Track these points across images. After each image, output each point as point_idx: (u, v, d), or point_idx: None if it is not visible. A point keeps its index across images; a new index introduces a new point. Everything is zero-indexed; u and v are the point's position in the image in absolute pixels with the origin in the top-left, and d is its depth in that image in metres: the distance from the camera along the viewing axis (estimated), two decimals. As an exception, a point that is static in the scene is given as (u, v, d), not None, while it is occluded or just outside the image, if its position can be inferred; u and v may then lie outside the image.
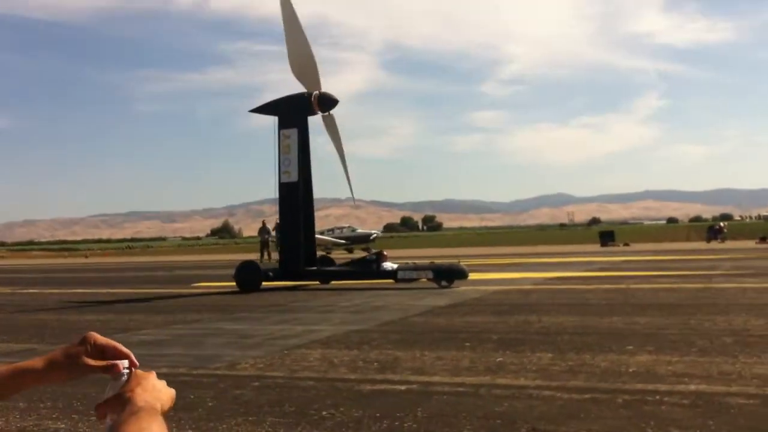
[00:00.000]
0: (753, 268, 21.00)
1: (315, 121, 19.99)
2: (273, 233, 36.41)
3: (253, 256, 32.86)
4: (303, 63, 19.83)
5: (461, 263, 18.91)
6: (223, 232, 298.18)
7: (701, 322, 9.92)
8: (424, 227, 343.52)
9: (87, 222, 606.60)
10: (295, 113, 19.69)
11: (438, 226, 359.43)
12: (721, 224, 54.22)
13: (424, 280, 18.09)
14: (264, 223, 38.54)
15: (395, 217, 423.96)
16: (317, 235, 50.94)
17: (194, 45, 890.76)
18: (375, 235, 49.94)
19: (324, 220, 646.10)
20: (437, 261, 20.72)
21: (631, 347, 8.00)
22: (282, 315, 12.79)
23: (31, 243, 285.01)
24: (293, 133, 19.62)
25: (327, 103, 19.93)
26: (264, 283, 18.76)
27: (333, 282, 19.47)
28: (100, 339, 1.48)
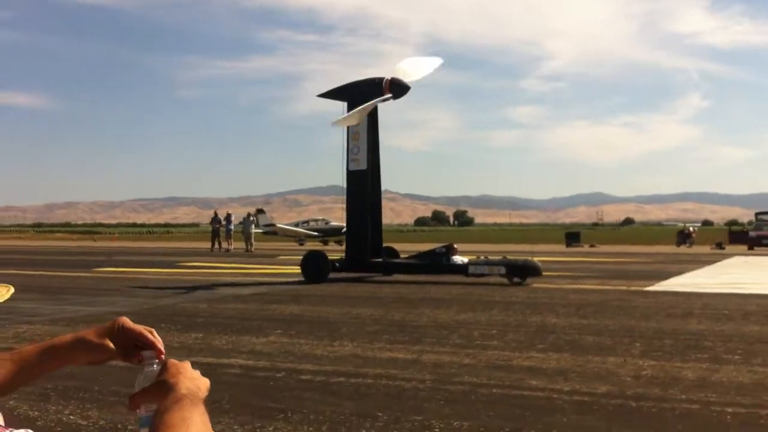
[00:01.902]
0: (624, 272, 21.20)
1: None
2: (223, 223, 38.43)
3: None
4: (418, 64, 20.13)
5: (535, 259, 18.52)
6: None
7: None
8: (455, 222, 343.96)
9: (126, 206, 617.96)
10: (365, 98, 18.85)
11: (470, 221, 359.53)
12: (691, 229, 55.31)
13: (496, 275, 17.68)
14: (216, 213, 39.13)
15: (429, 211, 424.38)
16: (287, 226, 53.87)
17: (236, 33, 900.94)
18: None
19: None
20: (510, 256, 19.82)
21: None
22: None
23: (68, 225, 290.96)
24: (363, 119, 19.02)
25: (398, 89, 19.28)
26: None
27: (398, 275, 19.07)
28: (130, 325, 1.47)
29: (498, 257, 19.61)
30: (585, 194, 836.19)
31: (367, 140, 18.94)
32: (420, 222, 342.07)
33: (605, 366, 7.64)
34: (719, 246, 45.62)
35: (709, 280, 19.16)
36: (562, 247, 47.98)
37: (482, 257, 19.61)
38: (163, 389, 1.31)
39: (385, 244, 20.19)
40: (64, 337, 1.48)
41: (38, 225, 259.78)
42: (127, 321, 1.48)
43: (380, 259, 19.27)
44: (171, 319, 11.27)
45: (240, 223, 38.77)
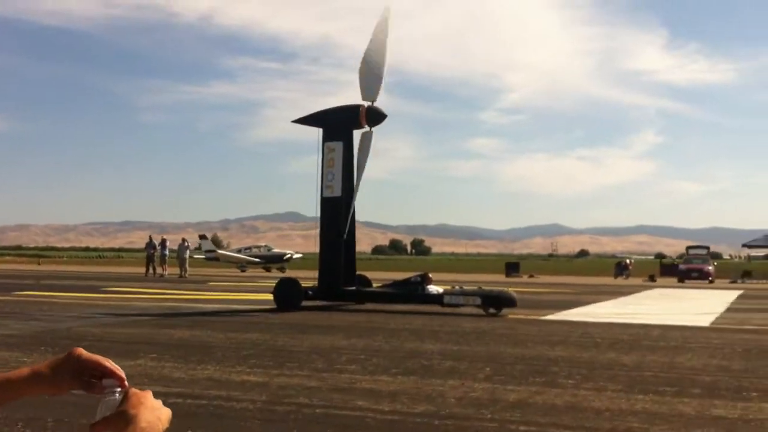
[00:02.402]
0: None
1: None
2: (158, 248, 38.34)
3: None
4: (371, 69, 19.27)
5: (510, 290, 18.60)
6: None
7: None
8: (413, 251, 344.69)
9: (80, 230, 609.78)
10: (341, 126, 19.00)
11: (427, 251, 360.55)
12: (627, 261, 56.57)
13: (471, 306, 17.56)
14: (150, 238, 39.10)
15: (388, 240, 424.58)
16: (229, 253, 53.87)
17: (198, 58, 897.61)
18: (290, 255, 52.04)
19: (318, 239, 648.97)
20: (484, 287, 19.84)
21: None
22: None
23: (19, 247, 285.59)
24: (338, 146, 18.91)
25: (375, 117, 19.16)
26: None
27: (371, 303, 18.74)
28: (86, 355, 1.45)
29: (473, 287, 19.45)
30: (542, 225, 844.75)
31: (342, 167, 18.82)
32: (377, 251, 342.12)
33: (440, 388, 8.07)
34: (651, 278, 46.73)
35: (610, 310, 19.84)
36: (502, 277, 48.70)
37: (457, 287, 19.47)
38: (123, 420, 1.30)
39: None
40: (21, 371, 1.47)
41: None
42: (83, 351, 1.46)
43: (353, 288, 19.10)
44: (55, 342, 11.49)
45: (175, 249, 38.65)
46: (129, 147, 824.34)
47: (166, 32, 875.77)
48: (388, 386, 8.22)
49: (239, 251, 53.12)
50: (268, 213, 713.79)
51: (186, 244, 37.85)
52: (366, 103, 19.04)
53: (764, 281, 46.43)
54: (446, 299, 17.83)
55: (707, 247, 50.66)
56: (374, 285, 20.24)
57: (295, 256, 53.23)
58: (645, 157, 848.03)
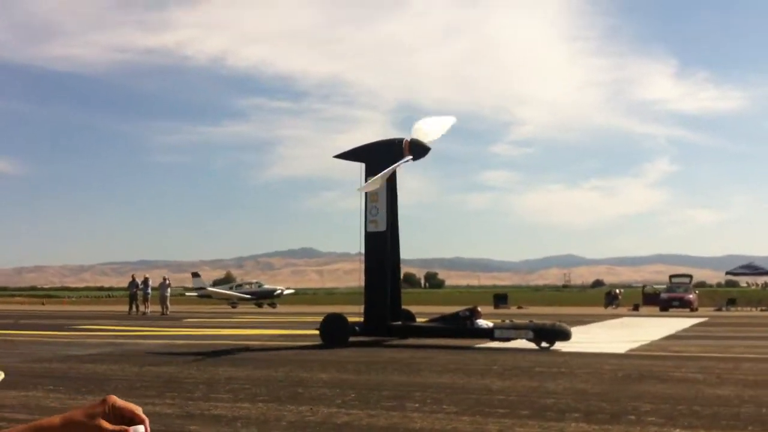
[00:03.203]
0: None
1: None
2: (141, 286, 39.24)
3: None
4: (433, 125, 19.76)
5: (563, 323, 18.07)
6: (224, 284, 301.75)
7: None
8: (426, 284, 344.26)
9: (96, 269, 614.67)
10: (384, 160, 18.76)
11: (440, 284, 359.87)
12: (617, 291, 56.94)
13: (524, 339, 17.23)
14: (133, 277, 39.88)
15: (402, 273, 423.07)
16: (219, 290, 54.80)
17: (211, 99, 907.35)
18: (280, 291, 52.93)
19: (333, 275, 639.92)
20: (536, 320, 19.37)
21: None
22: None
23: (34, 288, 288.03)
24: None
25: (418, 150, 19.08)
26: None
27: (418, 338, 18.57)
28: (120, 402, 1.51)
29: (524, 321, 19.20)
30: (557, 256, 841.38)
31: (386, 201, 18.76)
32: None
33: (334, 419, 8.47)
34: (635, 308, 47.12)
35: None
36: (490, 308, 49.17)
37: (508, 321, 19.25)
38: None
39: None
40: (52, 420, 1.50)
41: (3, 289, 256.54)
42: (116, 398, 1.53)
43: (399, 323, 18.91)
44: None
45: (156, 287, 39.56)
46: (143, 187, 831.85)
47: (178, 75, 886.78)
48: (273, 414, 9.01)
49: (231, 288, 54.09)
50: (283, 249, 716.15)
51: (167, 282, 38.76)
52: (408, 137, 19.03)
53: (748, 308, 46.79)
54: (497, 333, 17.48)
55: (690, 276, 51.05)
56: (417, 320, 20.05)
57: (286, 291, 54.14)
58: (659, 186, 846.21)
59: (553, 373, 12.49)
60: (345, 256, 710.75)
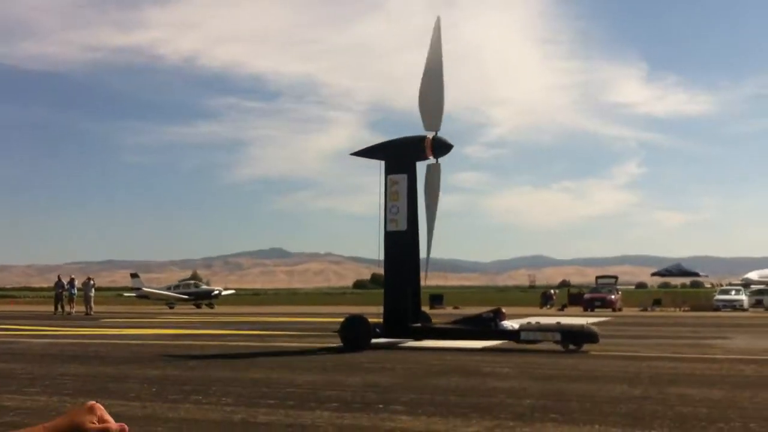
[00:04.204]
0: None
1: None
2: (66, 287, 39.64)
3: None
4: (431, 98, 18.71)
5: (591, 326, 17.69)
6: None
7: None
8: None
9: (63, 269, 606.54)
10: (404, 158, 18.48)
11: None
12: (552, 291, 58.26)
13: (551, 342, 16.77)
14: (59, 277, 40.19)
15: (376, 274, 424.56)
16: (156, 290, 55.27)
17: (183, 99, 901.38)
18: (218, 291, 53.53)
19: (303, 276, 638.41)
20: (563, 322, 19.28)
21: None
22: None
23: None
24: (402, 179, 18.34)
25: (441, 148, 18.62)
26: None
27: (438, 342, 17.92)
28: (104, 411, 1.54)
29: (552, 322, 18.92)
30: (526, 257, 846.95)
31: (407, 200, 18.32)
32: (358, 285, 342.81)
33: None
34: (562, 308, 48.44)
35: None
36: (425, 309, 50.09)
37: (533, 322, 19.01)
38: None
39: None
40: (36, 429, 1.52)
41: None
42: (102, 408, 1.56)
43: (422, 324, 18.51)
44: None
45: (80, 288, 40.04)
46: (112, 187, 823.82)
47: (150, 74, 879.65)
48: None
49: (169, 288, 54.56)
50: (252, 249, 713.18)
51: (91, 282, 39.30)
52: (430, 134, 18.52)
53: (672, 309, 48.27)
54: (523, 335, 17.01)
55: (615, 277, 52.49)
56: (432, 321, 19.57)
57: (225, 292, 54.75)
58: (628, 187, 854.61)
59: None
60: (314, 257, 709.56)
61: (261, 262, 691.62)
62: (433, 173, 18.56)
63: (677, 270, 53.31)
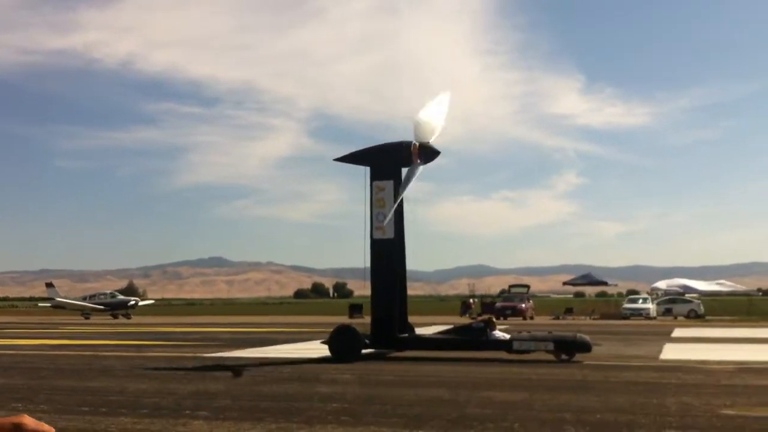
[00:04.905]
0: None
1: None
2: None
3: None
4: (430, 116, 18.59)
5: (584, 335, 17.48)
6: (126, 294, 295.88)
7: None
8: (335, 294, 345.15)
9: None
10: (390, 164, 18.20)
11: (349, 293, 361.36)
12: (471, 300, 59.27)
13: (543, 351, 16.65)
14: None
15: (316, 283, 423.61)
16: (72, 300, 54.75)
17: (119, 104, 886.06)
18: (134, 302, 53.28)
19: (244, 285, 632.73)
20: (556, 332, 19.19)
21: None
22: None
23: None
24: (388, 185, 18.05)
25: (428, 154, 18.37)
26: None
27: (424, 351, 17.54)
28: (31, 426, 1.51)
29: (543, 332, 18.72)
30: (468, 266, 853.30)
31: (394, 207, 17.90)
32: (299, 294, 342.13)
33: None
34: (477, 316, 49.36)
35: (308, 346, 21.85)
36: (345, 318, 50.49)
37: (525, 332, 18.71)
38: None
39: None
40: None
41: None
42: (30, 421, 1.54)
43: (410, 335, 18.09)
44: None
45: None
46: (45, 194, 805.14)
47: (85, 78, 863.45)
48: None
49: (84, 299, 54.09)
50: (192, 259, 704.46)
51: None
52: (417, 142, 18.25)
53: (583, 317, 49.57)
54: (515, 345, 16.80)
55: (527, 286, 53.73)
56: (416, 331, 19.13)
57: (141, 303, 54.50)
58: (567, 197, 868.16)
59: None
60: (256, 266, 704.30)
61: (201, 271, 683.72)
62: (411, 172, 18.14)
63: (588, 279, 54.78)
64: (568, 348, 16.61)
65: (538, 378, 13.77)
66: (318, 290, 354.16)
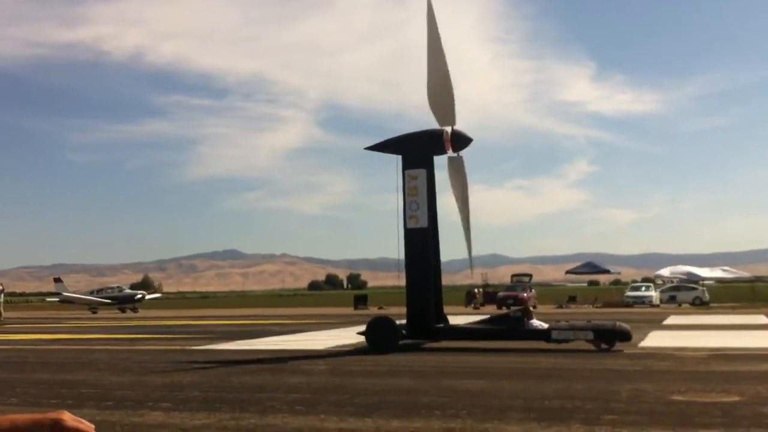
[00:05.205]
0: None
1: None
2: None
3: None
4: (440, 93, 18.26)
5: (623, 324, 17.18)
6: (141, 287, 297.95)
7: None
8: (348, 285, 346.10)
9: (12, 274, 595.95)
10: (422, 152, 18.11)
11: (362, 284, 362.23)
12: (476, 290, 59.49)
13: (582, 341, 16.46)
14: None
15: (330, 275, 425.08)
16: (79, 295, 55.34)
17: (129, 96, 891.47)
18: (141, 296, 53.84)
19: (258, 277, 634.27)
20: (595, 320, 18.92)
21: None
22: None
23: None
24: (421, 174, 17.96)
25: (460, 141, 18.26)
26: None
27: (460, 342, 17.41)
28: (70, 423, 1.51)
29: (583, 321, 18.54)
30: (482, 256, 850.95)
31: (426, 196, 17.87)
32: (313, 286, 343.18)
33: None
34: (479, 306, 49.62)
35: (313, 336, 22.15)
36: (350, 310, 50.91)
37: (563, 321, 18.54)
38: None
39: None
40: (3, 419, 1.52)
41: None
42: (68, 419, 1.54)
43: (446, 325, 18.10)
44: None
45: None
46: (58, 188, 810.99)
47: (95, 71, 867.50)
48: None
49: (92, 293, 54.71)
50: (207, 251, 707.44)
51: (1, 288, 39.39)
52: (448, 128, 18.15)
53: (586, 306, 49.73)
54: (554, 335, 16.63)
55: (530, 275, 53.92)
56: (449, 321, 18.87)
57: (148, 296, 55.09)
58: (579, 185, 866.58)
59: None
60: (270, 258, 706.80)
61: (216, 263, 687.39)
62: (457, 165, 18.25)
63: (590, 268, 54.91)
64: (608, 337, 16.45)
65: (501, 367, 14.06)
66: (332, 281, 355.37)
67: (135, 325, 32.43)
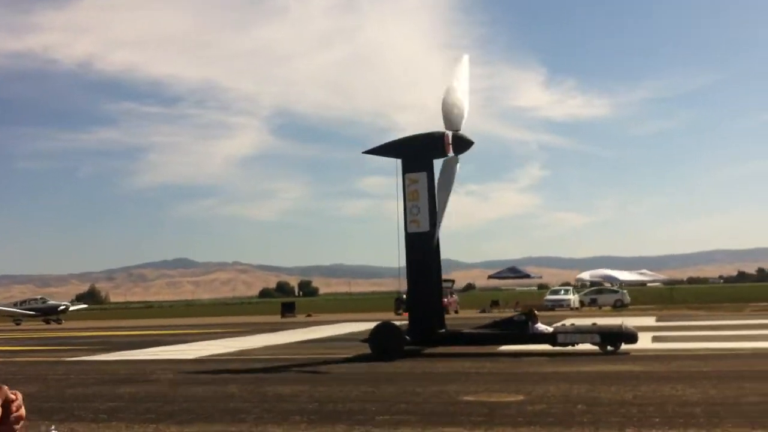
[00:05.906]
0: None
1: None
2: None
3: None
4: (455, 99, 18.30)
5: (629, 326, 17.12)
6: (88, 298, 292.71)
7: None
8: (300, 292, 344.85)
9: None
10: (423, 155, 17.93)
11: (314, 291, 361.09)
12: (403, 296, 60.17)
13: (588, 344, 16.38)
14: None
15: (281, 282, 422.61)
16: (3, 307, 54.88)
17: (79, 104, 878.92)
18: (64, 307, 53.65)
19: (210, 286, 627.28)
20: (600, 323, 18.88)
21: None
22: None
23: None
24: (421, 177, 17.82)
25: (461, 145, 18.04)
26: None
27: (460, 347, 17.19)
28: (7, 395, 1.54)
29: (588, 324, 18.52)
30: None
31: (428, 199, 17.72)
32: (264, 293, 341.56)
33: None
34: (402, 312, 50.25)
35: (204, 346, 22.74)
36: (277, 317, 51.11)
37: (569, 324, 18.65)
38: None
39: None
40: None
41: None
42: (8, 392, 1.54)
43: (449, 330, 17.93)
44: None
45: None
46: (6, 195, 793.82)
47: (45, 79, 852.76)
48: None
49: (15, 305, 54.29)
50: (156, 260, 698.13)
51: None
52: (449, 132, 17.96)
53: (507, 310, 50.70)
54: (560, 338, 16.54)
55: (452, 281, 54.82)
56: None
57: (72, 307, 55.02)
58: (531, 190, 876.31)
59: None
60: (222, 266, 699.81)
61: (166, 272, 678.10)
62: (449, 166, 17.89)
63: (513, 272, 56.02)
64: (615, 339, 16.39)
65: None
66: (283, 289, 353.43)
67: (38, 337, 32.45)
